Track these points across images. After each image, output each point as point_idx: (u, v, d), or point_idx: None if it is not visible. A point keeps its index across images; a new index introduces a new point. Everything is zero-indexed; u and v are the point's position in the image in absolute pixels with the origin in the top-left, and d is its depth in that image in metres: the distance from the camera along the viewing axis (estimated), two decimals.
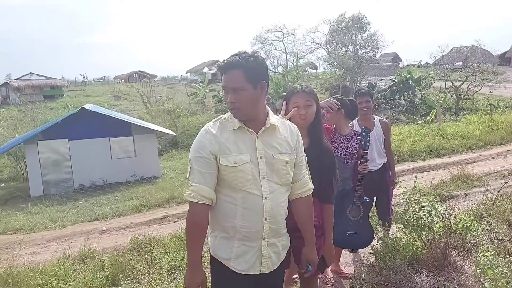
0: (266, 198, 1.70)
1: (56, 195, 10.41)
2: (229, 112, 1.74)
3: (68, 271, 3.92)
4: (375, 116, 3.82)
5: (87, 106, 11.67)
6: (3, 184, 13.02)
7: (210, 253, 1.82)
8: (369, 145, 2.97)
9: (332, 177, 2.16)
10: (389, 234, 3.49)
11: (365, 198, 3.05)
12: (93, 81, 52.08)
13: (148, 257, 4.10)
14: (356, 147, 3.03)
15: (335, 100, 3.01)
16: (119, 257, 4.07)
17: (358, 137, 3.08)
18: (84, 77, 46.07)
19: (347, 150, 3.03)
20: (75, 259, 4.40)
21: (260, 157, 1.70)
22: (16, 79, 31.67)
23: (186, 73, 51.67)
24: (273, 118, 1.77)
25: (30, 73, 32.28)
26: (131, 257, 4.05)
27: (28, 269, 4.08)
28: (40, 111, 23.10)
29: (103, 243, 5.46)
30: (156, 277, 3.44)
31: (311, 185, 1.91)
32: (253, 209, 1.69)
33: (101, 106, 17.05)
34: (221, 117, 1.77)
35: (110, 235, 6.14)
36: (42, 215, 8.00)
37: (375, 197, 3.82)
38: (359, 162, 2.99)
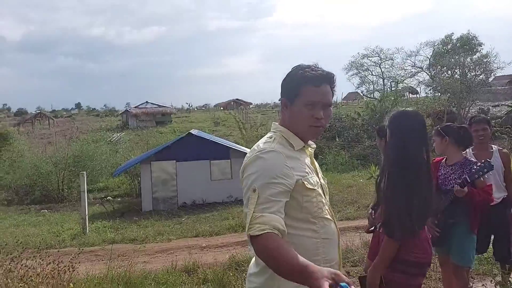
0: (335, 222, 1.56)
1: (163, 211, 11.48)
2: (276, 132, 1.55)
3: (176, 280, 4.32)
4: (493, 146, 3.49)
5: (193, 131, 12.81)
6: (119, 199, 14.86)
7: None
8: (477, 177, 2.71)
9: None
10: (509, 279, 3.09)
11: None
12: (196, 109, 56.87)
13: (246, 275, 4.27)
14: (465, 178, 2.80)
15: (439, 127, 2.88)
16: (220, 273, 4.34)
17: (469, 166, 2.86)
18: (189, 105, 50.87)
19: (454, 181, 2.83)
20: (180, 271, 4.82)
21: (320, 178, 1.58)
22: (134, 107, 36.28)
23: (279, 100, 53.09)
24: None
25: (146, 101, 36.70)
26: (231, 274, 4.28)
27: (143, 276, 4.58)
28: (152, 135, 26.05)
29: (204, 258, 5.85)
30: None
31: None
32: (332, 238, 1.51)
33: (203, 131, 18.51)
34: (273, 137, 1.52)
35: (210, 252, 6.54)
36: (152, 228, 8.90)
37: (492, 236, 3.45)
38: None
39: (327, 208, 1.54)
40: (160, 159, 12.18)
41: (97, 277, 4.40)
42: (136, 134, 28.29)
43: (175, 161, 12.23)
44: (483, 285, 3.48)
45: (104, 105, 71.07)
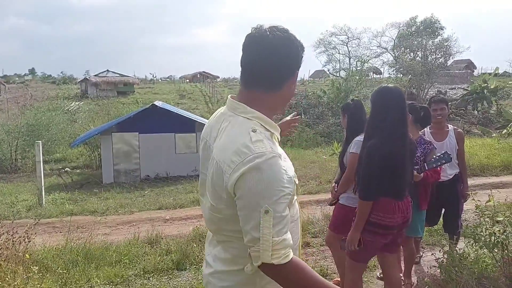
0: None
1: (125, 183, 11.24)
2: (253, 119, 1.27)
3: (138, 252, 4.29)
4: (449, 125, 3.68)
5: (157, 103, 12.45)
6: (78, 170, 14.35)
7: None
8: (435, 167, 2.90)
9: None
10: (456, 249, 3.34)
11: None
12: (160, 80, 55.20)
13: None
14: (418, 156, 2.96)
15: None
16: (183, 244, 4.35)
17: (423, 145, 3.04)
18: (153, 75, 49.27)
19: None
20: (143, 242, 4.78)
21: None
22: (94, 76, 34.61)
23: None
24: None
25: (107, 70, 35.10)
26: (195, 245, 4.31)
27: (103, 247, 4.51)
28: (113, 106, 25.07)
29: (167, 230, 5.83)
30: None
31: None
32: (298, 217, 1.43)
33: (167, 104, 18.06)
34: (255, 129, 1.23)
35: (173, 224, 6.53)
36: (113, 201, 8.70)
37: (443, 209, 3.68)
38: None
39: None
40: (122, 130, 11.81)
41: (55, 248, 4.28)
42: (96, 103, 27.09)
43: (137, 133, 11.90)
44: (432, 254, 3.75)
45: (61, 72, 67.26)
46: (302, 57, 1.31)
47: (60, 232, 6.15)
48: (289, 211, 1.24)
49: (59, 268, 3.73)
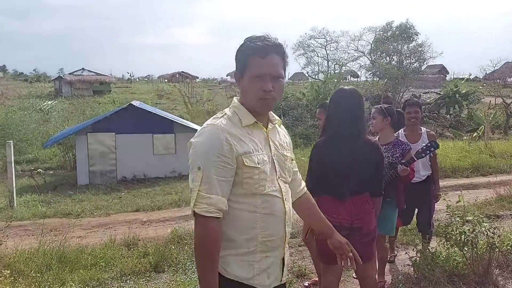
0: (285, 199, 1.55)
1: (101, 185, 10.99)
2: (230, 108, 1.55)
3: (115, 254, 4.21)
4: (422, 128, 3.81)
5: (134, 103, 12.26)
6: (52, 172, 13.92)
7: (224, 279, 1.48)
8: (424, 156, 2.95)
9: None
10: (428, 247, 3.46)
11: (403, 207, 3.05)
12: (138, 79, 54.27)
13: (188, 249, 4.30)
14: (397, 156, 3.04)
15: (382, 107, 3.07)
16: (161, 246, 4.31)
17: (401, 146, 3.11)
18: (130, 74, 48.32)
19: (387, 159, 3.05)
20: (120, 245, 4.69)
21: (274, 155, 1.55)
22: (69, 74, 33.69)
23: (227, 75, 52.64)
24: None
25: (83, 68, 34.27)
26: (173, 247, 4.27)
27: (78, 250, 4.40)
28: (88, 105, 24.48)
29: (145, 233, 5.74)
30: None
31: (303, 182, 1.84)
32: (275, 214, 1.51)
33: (145, 104, 17.79)
34: (224, 113, 1.53)
35: (151, 226, 6.44)
36: (89, 202, 8.50)
37: (416, 209, 3.80)
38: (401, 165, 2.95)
39: (277, 184, 1.53)
40: (98, 130, 11.56)
41: (28, 251, 4.15)
42: (71, 103, 26.40)
43: (114, 133, 11.67)
44: (406, 253, 3.87)
45: (34, 70, 64.94)
46: (246, 60, 1.49)
47: (33, 235, 5.96)
48: (239, 190, 1.45)
49: (32, 271, 3.62)
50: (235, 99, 1.59)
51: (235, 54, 1.54)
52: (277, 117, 1.66)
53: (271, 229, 1.50)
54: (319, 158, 2.35)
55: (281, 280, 1.59)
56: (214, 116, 1.54)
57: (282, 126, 1.73)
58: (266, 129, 1.57)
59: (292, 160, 1.68)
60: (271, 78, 1.46)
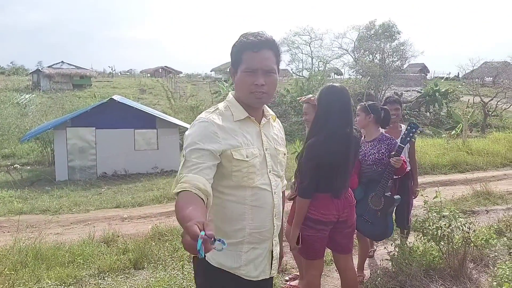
0: (275, 193, 1.59)
1: (80, 180, 10.79)
2: (224, 102, 1.60)
3: (93, 251, 4.13)
4: (402, 125, 3.86)
5: (115, 97, 12.04)
6: (29, 167, 13.56)
7: (208, 266, 1.54)
8: (409, 140, 2.96)
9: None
10: (406, 242, 3.52)
11: (396, 196, 3.06)
12: (119, 74, 53.30)
13: (169, 245, 4.25)
14: (383, 152, 3.06)
15: (366, 104, 3.09)
16: (141, 243, 4.24)
17: (386, 141, 3.11)
18: (112, 69, 47.38)
19: (373, 156, 3.08)
20: (99, 241, 4.61)
21: (266, 149, 1.58)
22: (48, 67, 32.76)
23: (211, 71, 52.24)
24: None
25: (62, 61, 33.36)
26: (153, 244, 4.22)
27: (55, 247, 4.30)
28: (68, 99, 23.92)
29: (125, 229, 5.67)
30: (178, 263, 3.59)
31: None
32: (264, 207, 1.55)
33: (127, 98, 17.51)
34: (217, 108, 1.57)
35: (131, 223, 6.35)
36: (67, 199, 8.33)
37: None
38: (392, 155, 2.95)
39: (267, 178, 1.56)
40: (77, 125, 11.33)
41: (2, 248, 4.02)
42: (50, 97, 25.71)
43: (94, 128, 11.46)
44: (385, 247, 3.93)
45: (11, 63, 62.62)
46: (240, 54, 1.51)
47: (8, 231, 5.80)
48: (228, 182, 1.50)
49: (6, 269, 3.52)
50: (230, 94, 1.62)
51: (231, 49, 1.57)
52: (271, 112, 1.68)
53: (259, 221, 1.54)
54: (318, 159, 2.30)
55: (270, 274, 1.63)
56: (206, 110, 1.58)
57: (277, 120, 1.75)
58: (260, 123, 1.59)
59: (284, 154, 1.70)
60: (263, 73, 1.49)
